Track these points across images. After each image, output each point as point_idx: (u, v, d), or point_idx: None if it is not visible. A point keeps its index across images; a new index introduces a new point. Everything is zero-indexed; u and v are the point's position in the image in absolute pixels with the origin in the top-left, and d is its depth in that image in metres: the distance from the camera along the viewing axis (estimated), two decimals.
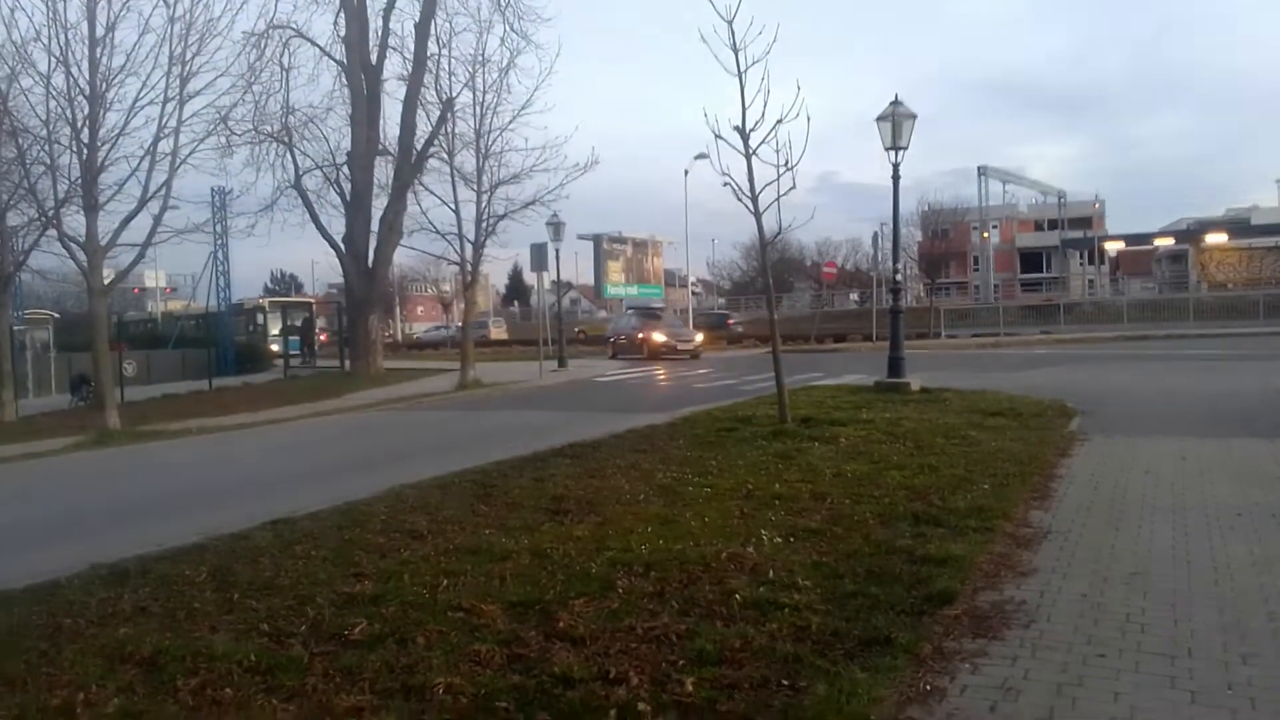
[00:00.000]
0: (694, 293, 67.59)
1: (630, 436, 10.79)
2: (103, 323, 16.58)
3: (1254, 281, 52.06)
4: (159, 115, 15.19)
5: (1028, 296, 57.72)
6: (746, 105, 10.61)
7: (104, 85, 14.87)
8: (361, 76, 25.69)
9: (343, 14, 25.62)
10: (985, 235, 67.67)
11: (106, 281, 16.90)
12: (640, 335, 30.91)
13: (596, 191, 58.74)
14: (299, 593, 5.04)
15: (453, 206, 21.81)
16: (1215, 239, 58.79)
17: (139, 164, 15.33)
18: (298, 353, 32.73)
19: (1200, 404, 12.90)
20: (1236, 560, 5.20)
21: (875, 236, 44.17)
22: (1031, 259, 73.54)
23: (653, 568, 5.18)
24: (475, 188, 21.55)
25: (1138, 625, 4.23)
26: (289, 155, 25.07)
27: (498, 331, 53.04)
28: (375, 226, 26.35)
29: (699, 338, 32.65)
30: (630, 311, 35.62)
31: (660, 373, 24.65)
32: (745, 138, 10.69)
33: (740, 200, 11.07)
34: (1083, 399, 13.18)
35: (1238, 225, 60.27)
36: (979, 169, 65.71)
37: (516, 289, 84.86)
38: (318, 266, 67.61)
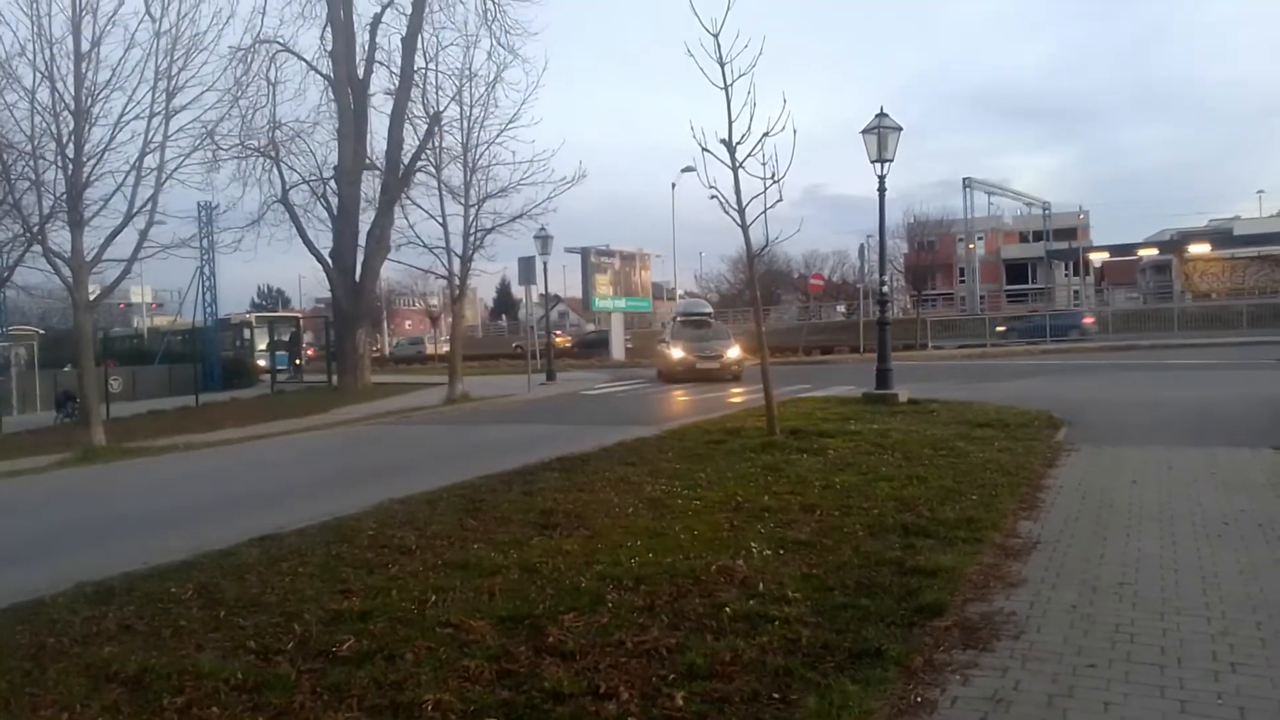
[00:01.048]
0: None
1: (619, 450, 10.77)
2: (88, 339, 16.46)
3: (1238, 291, 52.51)
4: (145, 130, 15.14)
5: (1013, 307, 58.01)
6: (733, 118, 10.67)
7: (89, 100, 14.80)
8: (348, 91, 25.74)
9: (329, 29, 25.70)
10: (971, 247, 68.08)
11: (92, 297, 16.79)
12: (667, 351, 26.18)
13: (584, 205, 58.77)
14: (286, 610, 5.00)
15: (440, 220, 21.80)
16: (1199, 249, 59.27)
17: (125, 179, 15.26)
18: (285, 368, 32.62)
19: (1186, 414, 12.99)
20: (1224, 569, 5.22)
21: (862, 248, 44.21)
22: (1017, 270, 73.97)
23: (642, 581, 5.17)
24: (463, 201, 21.55)
25: (1127, 635, 4.24)
26: (276, 170, 25.14)
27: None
28: (362, 241, 26.38)
29: (733, 352, 25.15)
30: (677, 320, 28.66)
31: (651, 388, 24.60)
32: (732, 151, 10.74)
33: (727, 213, 11.13)
34: (1069, 409, 13.25)
35: (1221, 235, 60.82)
36: (964, 181, 66.07)
37: (505, 302, 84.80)
38: (305, 281, 67.87)
